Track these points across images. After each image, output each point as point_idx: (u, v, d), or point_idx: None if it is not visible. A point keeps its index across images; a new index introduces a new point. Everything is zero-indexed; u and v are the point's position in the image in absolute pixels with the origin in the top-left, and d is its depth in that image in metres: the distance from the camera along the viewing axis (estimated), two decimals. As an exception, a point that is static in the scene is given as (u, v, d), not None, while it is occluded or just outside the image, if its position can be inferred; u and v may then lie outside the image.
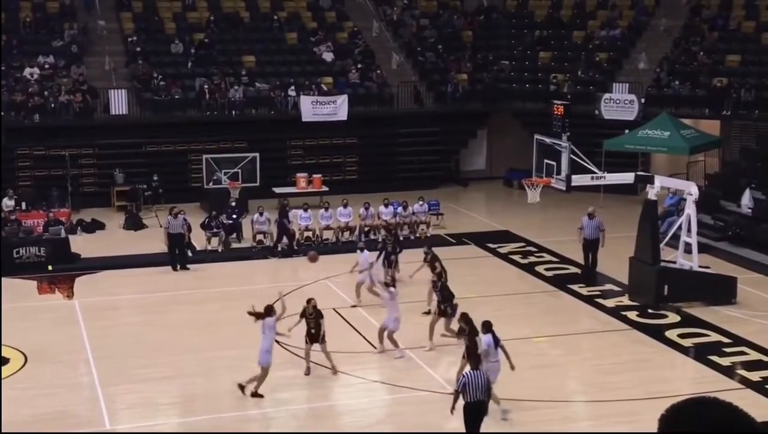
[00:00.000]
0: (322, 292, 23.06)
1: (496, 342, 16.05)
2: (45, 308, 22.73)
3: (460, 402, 14.53)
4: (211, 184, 32.12)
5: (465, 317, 16.90)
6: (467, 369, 14.75)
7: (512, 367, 16.19)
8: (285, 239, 27.20)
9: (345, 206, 28.93)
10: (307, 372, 18.11)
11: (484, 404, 14.46)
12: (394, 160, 36.50)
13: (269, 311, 17.30)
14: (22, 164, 32.80)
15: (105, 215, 31.33)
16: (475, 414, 14.46)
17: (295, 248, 27.19)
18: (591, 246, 24.76)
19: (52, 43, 35.74)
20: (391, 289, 19.41)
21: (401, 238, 27.10)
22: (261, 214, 28.08)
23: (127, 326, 21.34)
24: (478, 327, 16.36)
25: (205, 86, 34.66)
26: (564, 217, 30.79)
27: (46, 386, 17.62)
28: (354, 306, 22.14)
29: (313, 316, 18.11)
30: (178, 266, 25.62)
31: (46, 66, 34.76)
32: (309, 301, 18.31)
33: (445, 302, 19.43)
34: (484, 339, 16.11)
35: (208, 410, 16.76)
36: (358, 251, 23.18)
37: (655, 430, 2.45)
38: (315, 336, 18.05)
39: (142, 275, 25.31)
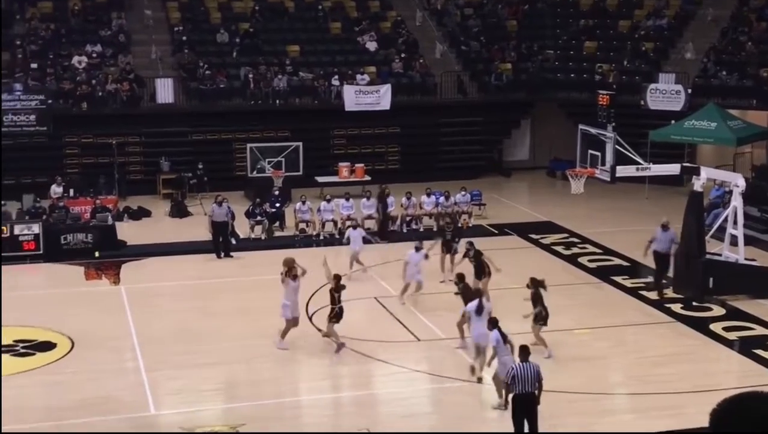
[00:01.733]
0: (364, 280, 23.18)
1: (504, 337, 15.96)
2: (91, 294, 23.04)
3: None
4: (254, 173, 32.32)
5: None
6: (517, 361, 14.72)
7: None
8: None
9: (368, 198, 28.89)
10: (340, 347, 18.49)
11: (534, 396, 14.41)
12: (437, 150, 36.46)
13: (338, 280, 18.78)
14: (69, 152, 33.26)
15: (151, 203, 31.66)
16: (523, 406, 14.41)
17: (392, 229, 27.80)
18: (663, 261, 22.53)
19: (99, 32, 36.13)
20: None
21: (460, 226, 26.85)
22: (303, 203, 28.21)
23: (172, 312, 21.57)
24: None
25: (250, 75, 34.85)
26: (608, 208, 30.62)
27: (92, 371, 17.88)
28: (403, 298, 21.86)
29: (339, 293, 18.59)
30: (222, 254, 25.84)
31: (94, 55, 35.16)
32: (337, 278, 18.85)
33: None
34: (491, 336, 16.06)
35: (250, 397, 16.90)
36: (414, 250, 21.94)
37: (698, 424, 2.44)
38: (339, 315, 18.44)
39: (187, 263, 25.57)
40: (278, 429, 15.45)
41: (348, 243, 24.65)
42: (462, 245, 22.91)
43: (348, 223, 27.88)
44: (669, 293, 22.40)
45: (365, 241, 24.46)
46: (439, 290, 22.41)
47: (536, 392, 14.37)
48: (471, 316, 17.30)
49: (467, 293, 18.68)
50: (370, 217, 28.61)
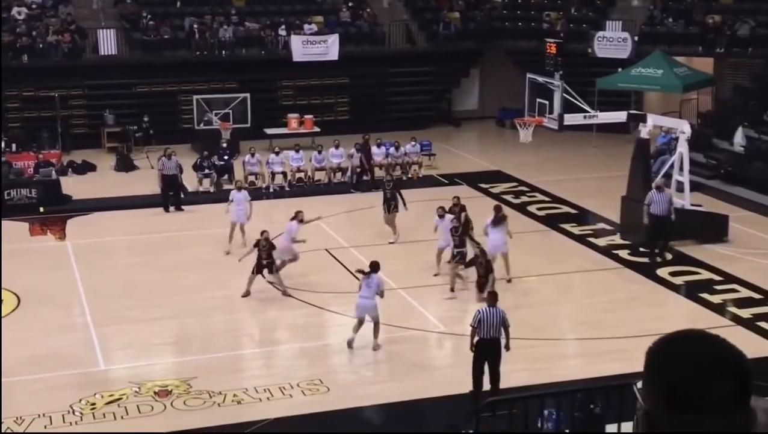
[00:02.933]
0: (315, 232, 23.07)
1: (369, 279, 16.58)
2: (37, 250, 22.71)
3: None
4: (201, 125, 31.94)
5: (482, 250, 17.57)
6: (483, 305, 14.85)
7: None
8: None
9: (337, 147, 28.82)
10: (246, 294, 18.84)
11: (498, 342, 14.54)
12: (386, 100, 36.30)
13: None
14: (11, 106, 32.50)
15: (96, 157, 31.17)
16: (486, 350, 14.55)
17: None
18: (662, 225, 20.96)
19: (38, -18, 35.25)
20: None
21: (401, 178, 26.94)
22: (252, 155, 27.97)
23: (120, 267, 21.34)
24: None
25: (195, 26, 34.29)
26: (556, 156, 30.79)
27: (40, 327, 17.68)
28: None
29: (266, 248, 18.92)
30: (172, 208, 25.59)
31: (34, 6, 34.32)
32: (262, 233, 19.22)
33: (458, 249, 19.53)
34: (374, 278, 16.60)
35: (202, 350, 16.86)
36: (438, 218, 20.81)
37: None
38: (266, 265, 18.86)
39: (134, 217, 25.27)
40: (230, 381, 15.44)
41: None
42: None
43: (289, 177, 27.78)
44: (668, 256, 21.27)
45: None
46: (386, 241, 22.47)
47: (501, 338, 14.54)
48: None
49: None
50: (339, 168, 28.47)
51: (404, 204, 22.90)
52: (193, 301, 18.94)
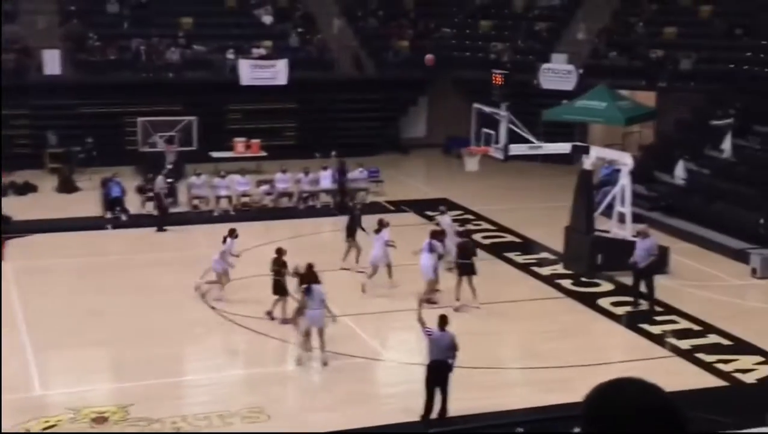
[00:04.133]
0: (259, 258, 22.94)
1: (310, 292, 16.89)
2: (-26, 271, 22.23)
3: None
4: (146, 147, 31.66)
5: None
6: (435, 328, 14.82)
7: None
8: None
9: (284, 171, 28.74)
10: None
11: (446, 364, 14.69)
12: (334, 126, 36.30)
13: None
14: (-49, 124, 31.96)
15: (37, 178, 30.72)
16: (436, 373, 14.69)
17: (350, 205, 27.28)
18: (636, 274, 20.51)
19: (-17, 0, 34.79)
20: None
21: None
22: (198, 176, 27.79)
23: (60, 290, 21.00)
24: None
25: (142, 48, 34.07)
26: (502, 186, 31.03)
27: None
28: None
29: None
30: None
31: (-23, 24, 33.84)
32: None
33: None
34: (317, 289, 16.96)
35: (141, 376, 16.60)
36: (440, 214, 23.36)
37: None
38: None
39: (76, 239, 24.92)
40: (169, 408, 15.22)
41: None
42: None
43: (243, 199, 27.65)
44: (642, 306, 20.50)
45: None
46: (331, 268, 22.43)
47: (450, 361, 14.65)
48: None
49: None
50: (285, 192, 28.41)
51: (363, 229, 22.94)
52: (133, 326, 18.68)
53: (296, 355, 17.10)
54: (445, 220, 23.20)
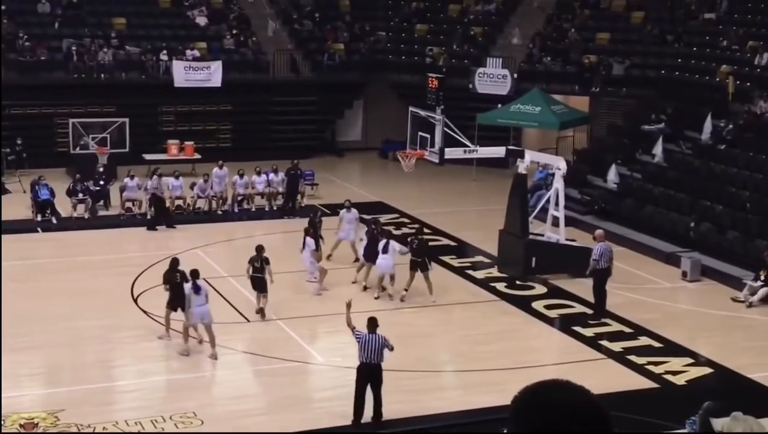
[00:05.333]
0: (194, 262, 22.70)
1: (198, 288, 17.18)
2: None
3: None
4: (78, 149, 31.17)
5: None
6: (364, 331, 14.78)
7: None
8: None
9: (221, 167, 28.40)
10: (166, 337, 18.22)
11: (379, 367, 14.70)
12: (269, 128, 36.15)
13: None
14: None
15: (-36, 180, 30.03)
16: (368, 375, 14.69)
17: (302, 206, 27.97)
18: (597, 277, 20.21)
19: None
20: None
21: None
22: (132, 179, 27.44)
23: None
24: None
25: (73, 48, 33.54)
26: (437, 189, 31.16)
27: None
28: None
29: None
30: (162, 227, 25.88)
31: None
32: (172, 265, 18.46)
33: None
34: (186, 287, 17.29)
35: (72, 381, 16.33)
36: (345, 210, 23.50)
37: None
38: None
39: (4, 242, 24.37)
40: (99, 415, 14.97)
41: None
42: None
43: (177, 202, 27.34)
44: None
45: None
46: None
47: (381, 362, 14.68)
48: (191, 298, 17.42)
49: None
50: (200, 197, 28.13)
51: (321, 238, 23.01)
52: (63, 331, 18.36)
53: (180, 348, 17.38)
54: (350, 216, 23.50)
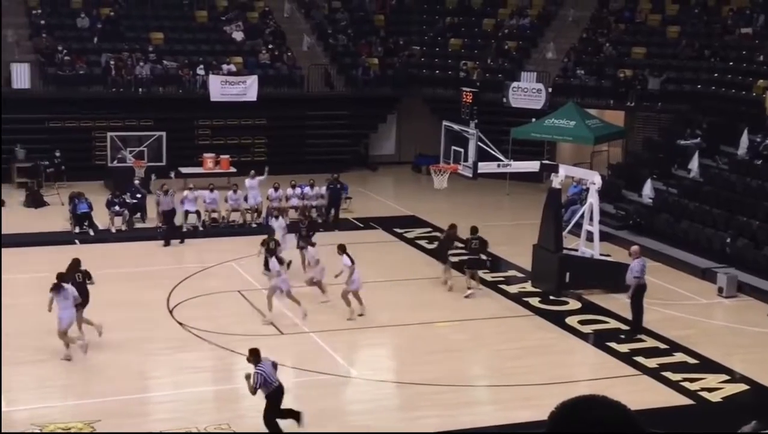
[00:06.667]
0: (228, 274, 22.89)
1: (62, 291, 17.37)
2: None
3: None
4: (115, 162, 31.51)
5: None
6: (260, 367, 14.64)
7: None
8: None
9: (252, 177, 28.60)
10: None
11: (282, 386, 14.78)
12: (303, 142, 36.34)
13: None
14: None
15: (5, 192, 30.44)
16: (279, 398, 14.74)
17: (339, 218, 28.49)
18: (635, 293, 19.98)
19: (-50, 12, 34.55)
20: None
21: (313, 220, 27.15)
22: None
23: (25, 305, 20.75)
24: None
25: (111, 62, 33.95)
26: (470, 203, 31.12)
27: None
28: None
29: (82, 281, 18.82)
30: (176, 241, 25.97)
31: (-56, 36, 33.61)
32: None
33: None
34: (68, 289, 17.55)
35: (107, 392, 16.46)
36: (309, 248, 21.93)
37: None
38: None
39: (42, 254, 24.68)
40: (134, 426, 15.09)
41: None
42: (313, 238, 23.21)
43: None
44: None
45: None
46: (299, 284, 22.33)
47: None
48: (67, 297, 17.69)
49: None
50: (235, 210, 28.28)
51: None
52: (100, 341, 18.51)
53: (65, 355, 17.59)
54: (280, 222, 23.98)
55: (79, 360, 17.80)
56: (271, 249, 20.35)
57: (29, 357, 17.69)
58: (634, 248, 21.00)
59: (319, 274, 21.05)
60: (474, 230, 22.85)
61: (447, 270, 22.94)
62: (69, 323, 17.51)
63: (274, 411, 14.74)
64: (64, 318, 17.44)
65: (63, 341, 17.57)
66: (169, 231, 26.03)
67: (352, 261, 20.07)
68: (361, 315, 20.28)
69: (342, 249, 20.31)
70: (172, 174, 29.69)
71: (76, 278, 18.54)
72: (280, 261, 20.49)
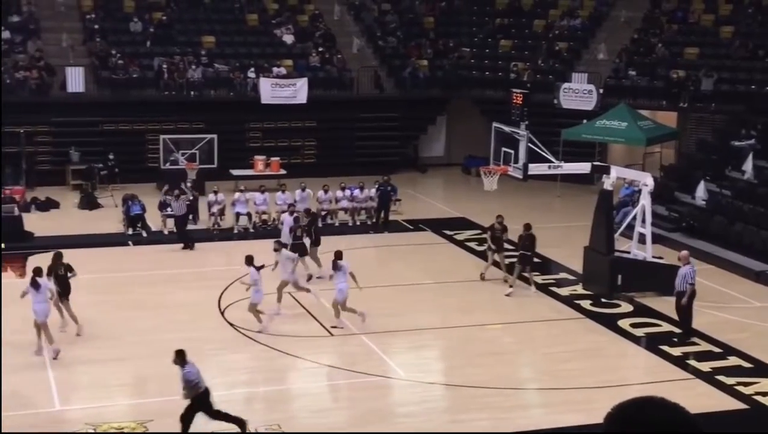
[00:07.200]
0: (277, 275, 22.99)
1: (38, 286, 17.83)
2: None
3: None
4: (167, 164, 31.86)
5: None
6: (187, 368, 14.64)
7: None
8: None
9: (303, 189, 28.79)
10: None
11: (208, 390, 14.75)
12: (353, 144, 36.45)
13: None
14: (-25, 140, 32.30)
15: (59, 194, 30.97)
16: (206, 401, 14.69)
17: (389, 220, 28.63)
18: (677, 303, 19.86)
19: (8, 17, 35.16)
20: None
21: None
22: (216, 195, 27.91)
23: (79, 306, 21.03)
24: None
25: (164, 66, 34.34)
26: (521, 205, 30.94)
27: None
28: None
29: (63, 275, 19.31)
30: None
31: (2, 41, 34.20)
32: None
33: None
34: (43, 284, 17.93)
35: (159, 392, 16.63)
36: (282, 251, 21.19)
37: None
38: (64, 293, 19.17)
39: (96, 255, 25.05)
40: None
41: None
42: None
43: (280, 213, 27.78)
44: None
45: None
46: (349, 286, 22.39)
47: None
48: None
49: None
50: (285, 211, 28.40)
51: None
52: (152, 342, 18.73)
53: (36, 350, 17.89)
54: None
55: (132, 360, 18.01)
56: (251, 257, 19.70)
57: (84, 357, 17.93)
58: (683, 253, 20.67)
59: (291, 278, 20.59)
60: (527, 226, 22.78)
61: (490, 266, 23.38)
62: (44, 316, 17.87)
63: (197, 412, 14.62)
64: (39, 311, 17.84)
65: (43, 334, 17.96)
66: (181, 236, 26.01)
67: (259, 270, 19.47)
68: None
69: (249, 261, 19.42)
70: (178, 156, 30.69)
71: (58, 271, 19.16)
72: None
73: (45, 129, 33.18)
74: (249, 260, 19.52)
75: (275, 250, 20.51)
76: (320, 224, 26.89)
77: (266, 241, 26.31)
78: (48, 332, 17.93)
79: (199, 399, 14.63)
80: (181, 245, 25.77)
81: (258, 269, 19.38)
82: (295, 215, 24.19)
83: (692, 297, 19.79)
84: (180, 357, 14.69)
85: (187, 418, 14.59)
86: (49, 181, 32.05)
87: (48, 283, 18.43)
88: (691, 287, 19.67)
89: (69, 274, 19.47)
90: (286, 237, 23.14)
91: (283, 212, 28.28)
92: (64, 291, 19.18)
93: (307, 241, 23.43)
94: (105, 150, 32.88)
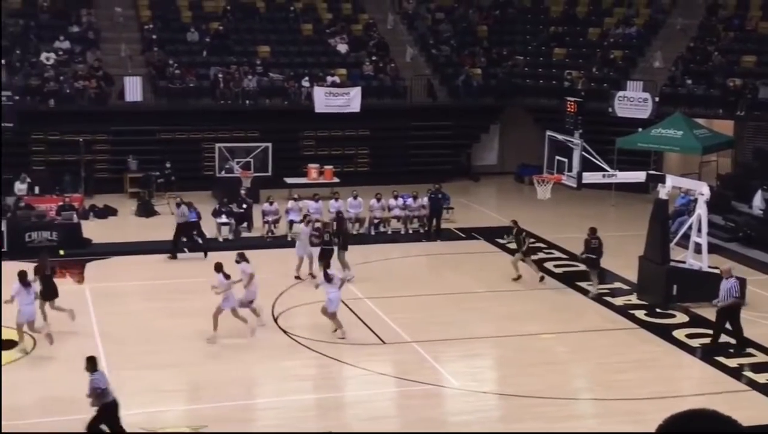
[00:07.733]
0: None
1: (28, 286, 18.17)
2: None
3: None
4: (223, 172, 32.21)
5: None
6: (95, 375, 14.58)
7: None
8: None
9: (355, 197, 28.92)
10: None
11: (117, 401, 14.64)
12: (406, 153, 36.52)
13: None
14: (36, 149, 32.97)
15: (117, 201, 31.46)
16: (114, 411, 14.58)
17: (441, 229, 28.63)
18: (722, 314, 19.67)
19: (68, 28, 35.86)
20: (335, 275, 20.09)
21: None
22: (271, 204, 28.13)
23: (136, 312, 21.43)
24: None
25: (220, 75, 34.75)
26: (574, 214, 30.79)
27: (54, 370, 17.72)
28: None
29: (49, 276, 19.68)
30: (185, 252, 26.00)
31: (61, 52, 34.88)
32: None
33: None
34: (14, 287, 18.16)
35: (213, 398, 16.84)
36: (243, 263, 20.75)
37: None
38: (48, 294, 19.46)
39: (153, 262, 25.42)
40: (241, 431, 15.38)
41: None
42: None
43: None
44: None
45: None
46: (401, 294, 22.46)
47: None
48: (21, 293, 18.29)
49: None
50: (357, 218, 28.64)
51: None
52: (206, 348, 18.96)
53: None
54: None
55: (185, 366, 18.25)
56: (219, 264, 19.69)
57: (143, 363, 18.19)
58: (726, 267, 20.59)
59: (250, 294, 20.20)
60: (593, 230, 23.08)
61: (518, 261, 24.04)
62: (30, 317, 18.28)
63: (103, 422, 14.51)
64: (26, 313, 18.23)
65: (27, 332, 18.38)
66: (188, 243, 26.14)
67: (228, 278, 19.46)
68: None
69: (218, 268, 19.51)
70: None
71: (44, 272, 19.61)
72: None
73: (103, 138, 33.74)
74: (218, 267, 19.60)
75: (236, 262, 20.34)
76: (353, 231, 27.42)
77: (314, 249, 26.54)
78: (22, 333, 18.36)
79: (106, 409, 14.55)
80: (204, 251, 25.95)
81: (227, 277, 19.44)
82: (311, 224, 24.86)
83: (737, 309, 19.54)
84: (90, 363, 14.78)
85: (93, 428, 14.51)
86: (107, 189, 32.57)
87: (35, 286, 18.85)
88: (736, 300, 19.48)
89: (54, 276, 19.98)
90: (304, 247, 23.72)
91: (300, 221, 28.30)
92: (49, 293, 19.49)
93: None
94: (162, 158, 33.35)
